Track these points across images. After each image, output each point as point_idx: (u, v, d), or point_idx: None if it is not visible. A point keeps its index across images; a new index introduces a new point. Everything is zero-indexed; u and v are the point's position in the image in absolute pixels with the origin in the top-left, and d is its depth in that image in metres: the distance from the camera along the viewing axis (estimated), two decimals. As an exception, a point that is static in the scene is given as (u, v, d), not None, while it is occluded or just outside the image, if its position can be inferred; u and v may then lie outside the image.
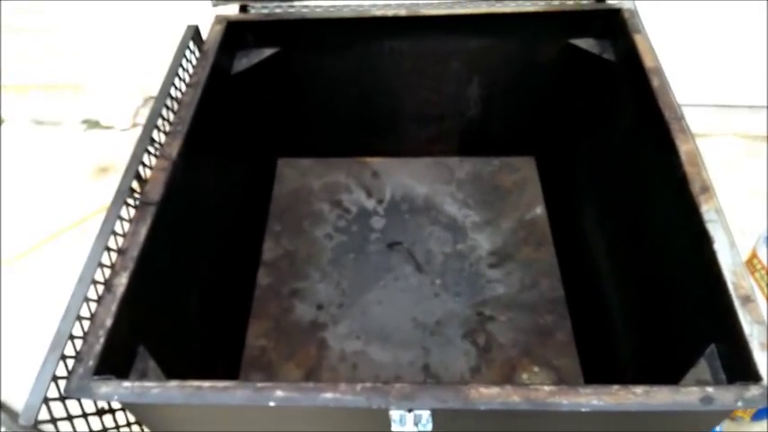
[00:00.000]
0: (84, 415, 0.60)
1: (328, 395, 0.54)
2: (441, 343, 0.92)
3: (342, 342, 0.93)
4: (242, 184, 1.05)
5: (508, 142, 1.16)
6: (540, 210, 1.08)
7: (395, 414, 0.54)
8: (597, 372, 0.92)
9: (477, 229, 1.06)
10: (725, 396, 0.52)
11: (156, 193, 0.71)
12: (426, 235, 1.05)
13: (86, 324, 0.60)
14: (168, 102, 0.80)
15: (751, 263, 1.07)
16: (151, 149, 0.74)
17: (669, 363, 0.74)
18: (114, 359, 0.61)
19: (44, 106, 1.52)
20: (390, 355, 0.91)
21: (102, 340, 0.59)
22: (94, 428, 0.62)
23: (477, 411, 0.53)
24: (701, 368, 0.61)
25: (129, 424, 0.68)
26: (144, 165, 0.72)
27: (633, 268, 0.87)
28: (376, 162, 1.17)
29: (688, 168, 0.70)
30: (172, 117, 0.80)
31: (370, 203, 1.11)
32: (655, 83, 0.80)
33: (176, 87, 0.82)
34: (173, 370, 0.72)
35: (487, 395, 0.53)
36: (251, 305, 0.98)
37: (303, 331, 0.94)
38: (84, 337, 0.59)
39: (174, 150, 0.76)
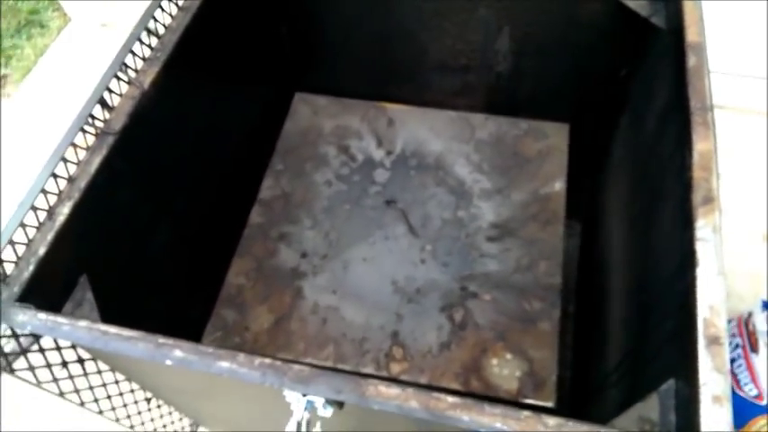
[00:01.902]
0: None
1: (224, 364, 0.52)
2: (416, 312, 0.88)
3: (317, 294, 0.91)
4: (245, 119, 1.02)
5: (541, 104, 1.05)
6: (558, 185, 0.98)
7: (289, 396, 0.51)
8: (576, 371, 0.86)
9: (485, 196, 0.98)
10: (649, 450, 0.45)
11: (118, 122, 0.69)
12: (428, 196, 0.99)
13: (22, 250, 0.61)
14: (152, 24, 0.77)
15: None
16: (123, 76, 0.72)
17: (641, 384, 0.67)
18: (47, 288, 0.61)
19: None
20: (362, 316, 0.88)
21: (31, 267, 0.59)
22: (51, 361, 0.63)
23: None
24: (651, 404, 0.53)
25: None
26: (111, 91, 0.70)
27: (633, 272, 0.78)
28: (394, 109, 1.09)
29: (696, 172, 0.59)
30: (155, 42, 0.76)
31: (378, 154, 1.05)
32: (691, 61, 0.67)
33: (163, 9, 0.78)
34: (128, 298, 0.72)
35: (385, 395, 0.49)
36: (238, 242, 0.96)
37: (282, 277, 0.93)
38: (17, 262, 0.60)
39: (147, 78, 0.73)
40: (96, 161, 0.66)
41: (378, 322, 0.87)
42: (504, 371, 0.82)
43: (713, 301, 0.51)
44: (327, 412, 0.52)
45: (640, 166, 0.85)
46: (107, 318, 0.64)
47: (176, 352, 0.52)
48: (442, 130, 1.06)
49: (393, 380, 0.82)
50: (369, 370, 0.83)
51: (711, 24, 0.72)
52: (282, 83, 1.11)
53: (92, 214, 0.66)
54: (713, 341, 0.49)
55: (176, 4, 0.80)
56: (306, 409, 0.51)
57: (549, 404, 0.79)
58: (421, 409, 0.48)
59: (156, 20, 0.76)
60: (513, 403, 0.79)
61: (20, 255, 0.60)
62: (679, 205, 0.62)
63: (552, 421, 0.46)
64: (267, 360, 0.52)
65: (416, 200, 0.99)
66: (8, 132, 1.59)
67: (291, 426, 0.51)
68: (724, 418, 0.46)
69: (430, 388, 0.81)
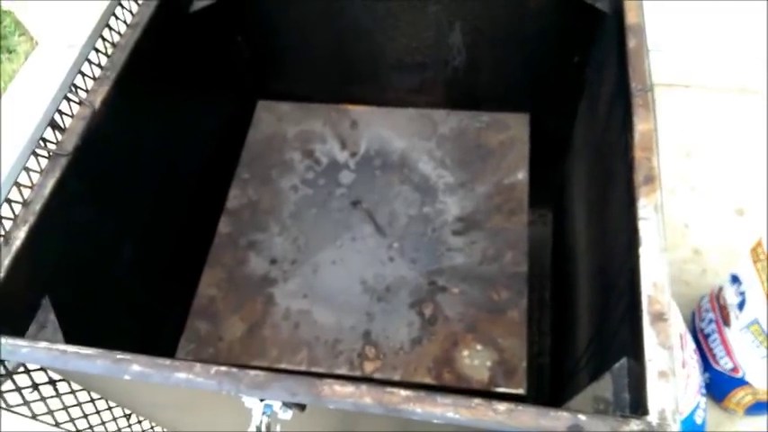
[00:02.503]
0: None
1: (182, 375, 0.52)
2: (386, 310, 0.88)
3: (289, 300, 0.91)
4: (206, 130, 1.02)
5: (500, 96, 1.06)
6: (521, 175, 0.99)
7: (248, 401, 0.52)
8: (553, 357, 0.87)
9: (449, 191, 0.99)
10: (597, 428, 0.46)
11: (70, 143, 0.69)
12: (394, 194, 1.00)
13: (-20, 276, 0.61)
14: (100, 44, 0.77)
15: (755, 251, 0.95)
16: (73, 97, 0.72)
17: (603, 365, 0.68)
18: (8, 312, 0.61)
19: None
20: (334, 318, 0.89)
21: (-11, 293, 0.60)
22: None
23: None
24: (604, 383, 0.55)
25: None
26: (62, 113, 0.70)
27: (594, 255, 0.79)
28: (357, 110, 1.10)
29: (638, 153, 0.61)
30: (104, 61, 0.77)
31: (342, 156, 1.05)
32: (631, 43, 0.69)
33: (111, 28, 0.78)
34: (94, 318, 0.73)
35: (340, 393, 0.50)
36: (207, 253, 0.97)
37: (253, 285, 0.93)
38: (-26, 289, 0.60)
39: (97, 98, 0.73)
40: (50, 184, 0.66)
41: (349, 323, 0.88)
42: (475, 361, 0.83)
43: (657, 278, 0.53)
44: (287, 415, 0.53)
45: (595, 151, 0.86)
46: (74, 339, 0.65)
47: (134, 366, 0.53)
48: (404, 129, 1.07)
49: (367, 379, 0.84)
50: (342, 371, 0.84)
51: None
52: (243, 92, 1.12)
53: (49, 236, 0.66)
54: (657, 317, 0.50)
55: (124, 22, 0.80)
56: (265, 413, 0.52)
57: (520, 391, 0.80)
58: (375, 405, 0.49)
59: (104, 39, 0.77)
60: (485, 393, 0.80)
61: (-23, 282, 0.60)
62: (625, 186, 0.63)
63: (503, 407, 0.47)
64: (223, 368, 0.52)
65: (382, 199, 0.99)
66: (-22, 160, 1.58)
67: (251, 430, 0.52)
68: (670, 392, 0.47)
69: (403, 385, 0.83)
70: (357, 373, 0.84)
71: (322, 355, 0.86)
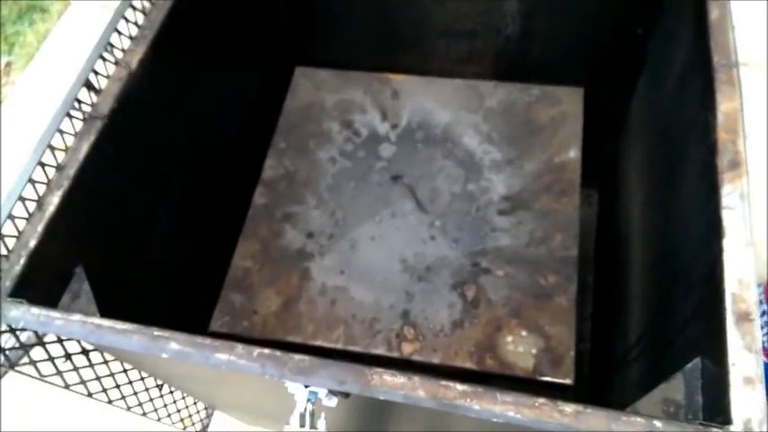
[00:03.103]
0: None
1: (222, 356, 0.49)
2: (427, 290, 0.85)
3: (325, 275, 0.88)
4: (243, 96, 0.98)
5: (553, 68, 0.99)
6: (573, 153, 0.94)
7: (291, 387, 0.49)
8: (595, 344, 0.82)
9: (496, 168, 0.94)
10: (674, 436, 0.42)
11: (105, 105, 0.66)
12: (437, 170, 0.95)
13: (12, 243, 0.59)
14: (140, 2, 0.73)
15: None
16: (109, 57, 0.68)
17: (665, 359, 0.64)
18: (41, 281, 0.59)
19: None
20: (372, 296, 0.85)
21: (22, 261, 0.57)
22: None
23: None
24: (675, 384, 0.50)
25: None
26: (97, 73, 0.67)
27: (653, 242, 0.74)
28: (398, 80, 1.05)
29: (721, 134, 0.55)
30: (141, 19, 0.73)
31: (383, 127, 1.01)
32: (713, 14, 0.62)
33: (150, -14, 0.74)
34: (128, 288, 0.70)
35: (391, 384, 0.46)
36: (242, 224, 0.94)
37: (289, 258, 0.90)
38: (7, 256, 0.58)
39: (134, 58, 0.69)
40: (84, 147, 0.63)
41: (388, 302, 0.85)
42: (520, 348, 0.79)
43: (742, 275, 0.48)
44: (332, 402, 0.50)
45: (659, 130, 0.80)
46: (107, 309, 0.63)
47: (172, 344, 0.50)
48: (448, 100, 1.02)
49: (405, 361, 0.80)
50: (380, 351, 0.81)
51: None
52: (281, 57, 1.07)
53: (84, 203, 0.63)
54: (743, 317, 0.46)
55: (162, -21, 0.76)
56: (309, 400, 0.49)
57: (568, 381, 0.76)
58: (428, 398, 0.45)
59: (142, -4, 0.73)
60: (530, 381, 0.77)
61: (10, 248, 0.58)
62: (703, 171, 0.57)
63: (569, 408, 0.44)
64: (266, 351, 0.49)
65: (424, 174, 0.95)
66: (14, 120, 1.57)
67: (294, 418, 0.49)
68: (757, 400, 0.43)
69: (443, 368, 0.80)
70: (395, 354, 0.81)
71: (359, 334, 0.83)
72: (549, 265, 0.85)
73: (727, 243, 0.50)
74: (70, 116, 0.63)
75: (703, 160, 0.57)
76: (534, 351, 0.78)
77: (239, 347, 0.49)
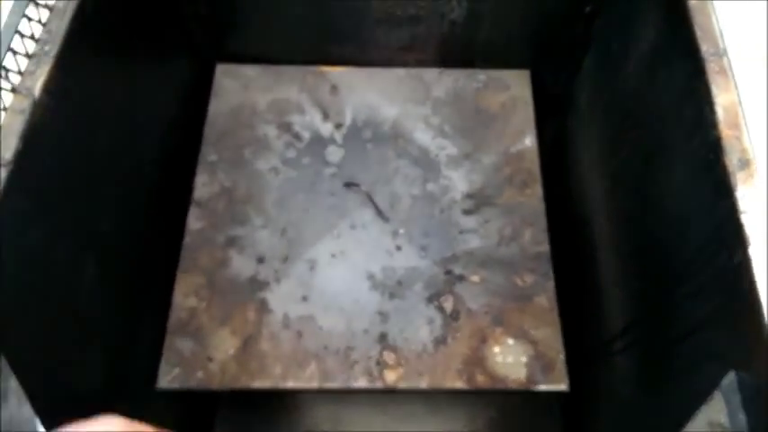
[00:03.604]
0: None
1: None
2: (401, 308, 0.78)
3: (285, 304, 0.79)
4: (165, 107, 0.85)
5: (499, 52, 0.94)
6: (529, 140, 0.90)
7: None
8: (579, 343, 0.80)
9: (454, 164, 0.88)
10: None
11: (8, 148, 0.52)
12: (392, 171, 0.88)
13: None
14: (32, 10, 0.58)
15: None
16: (5, 84, 0.54)
17: (666, 358, 0.62)
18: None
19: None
20: (342, 322, 0.78)
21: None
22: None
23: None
24: (716, 404, 0.48)
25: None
26: (-10, 109, 0.52)
27: (627, 232, 0.72)
28: (336, 73, 0.96)
29: (724, 131, 0.52)
30: (39, 31, 0.58)
31: (326, 128, 0.91)
32: (693, -1, 0.59)
33: (41, -12, 0.60)
34: (61, 362, 0.58)
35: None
36: (178, 256, 0.82)
37: (240, 290, 0.80)
38: None
39: (37, 82, 0.55)
40: (-12, 208, 0.50)
41: (361, 326, 0.77)
42: (509, 358, 0.75)
43: (778, 287, 0.45)
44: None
45: (622, 116, 0.78)
46: (36, 391, 0.50)
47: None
48: (393, 93, 0.94)
49: (390, 390, 0.74)
50: (361, 384, 0.74)
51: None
52: (202, 56, 0.94)
53: (-3, 274, 0.50)
54: (788, 333, 0.43)
55: (55, -23, 0.61)
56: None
57: (563, 387, 0.74)
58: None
59: (36, 2, 0.58)
60: (525, 393, 0.73)
61: None
62: (705, 169, 0.55)
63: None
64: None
65: (379, 178, 0.87)
66: None
67: None
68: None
69: (432, 392, 0.74)
70: (378, 385, 0.74)
71: (335, 367, 0.75)
72: (523, 264, 0.81)
73: (754, 251, 0.47)
74: (-38, 168, 0.49)
75: (705, 158, 0.54)
76: (524, 360, 0.75)
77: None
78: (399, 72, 0.96)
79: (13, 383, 0.49)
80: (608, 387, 0.78)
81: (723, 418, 0.47)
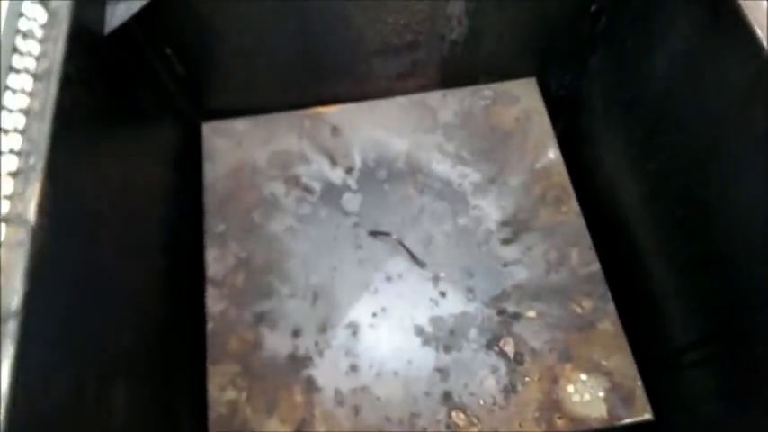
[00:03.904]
0: None
1: None
2: (460, 360, 0.72)
3: (334, 378, 0.72)
4: (159, 181, 0.77)
5: (502, 65, 0.89)
6: (552, 153, 0.84)
7: None
8: (650, 364, 0.75)
9: (480, 191, 0.82)
10: None
11: (13, 293, 0.44)
12: (417, 211, 0.81)
13: None
14: (5, 118, 0.50)
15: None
16: (-9, 216, 0.46)
17: (762, 375, 0.57)
18: None
19: None
20: (400, 388, 0.71)
21: None
22: None
23: None
24: None
25: None
26: (-18, 250, 0.44)
27: (691, 240, 0.67)
28: (334, 113, 0.89)
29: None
30: (18, 142, 0.50)
31: (336, 175, 0.84)
32: (745, -10, 0.54)
33: (13, 90, 0.51)
34: None
35: None
36: (204, 346, 0.74)
37: (281, 371, 0.73)
38: None
39: (30, 204, 0.47)
40: (4, 373, 0.41)
41: (420, 389, 0.71)
42: (586, 396, 0.69)
43: None
44: None
45: (652, 117, 0.72)
46: None
47: None
48: (399, 124, 0.88)
49: (467, 453, 0.68)
50: (434, 451, 0.68)
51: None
52: (186, 117, 0.86)
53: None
54: None
55: (28, 72, 0.53)
56: None
57: (647, 416, 0.68)
58: None
59: (8, 109, 0.50)
60: (611, 430, 0.68)
61: None
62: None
63: None
64: None
65: (405, 220, 0.81)
66: None
67: None
68: None
69: (512, 447, 0.68)
70: (453, 450, 0.68)
71: (402, 439, 0.68)
72: (577, 289, 0.75)
73: None
74: (-35, 330, 0.41)
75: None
76: (602, 394, 0.69)
77: None
78: (401, 101, 0.89)
79: None
80: (686, 402, 0.73)
81: None
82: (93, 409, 0.53)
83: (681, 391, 0.73)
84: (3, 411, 0.40)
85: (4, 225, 0.46)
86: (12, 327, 0.43)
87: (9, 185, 0.48)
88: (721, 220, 0.61)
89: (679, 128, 0.67)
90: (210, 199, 0.83)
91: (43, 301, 0.45)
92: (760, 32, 0.52)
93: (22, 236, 0.46)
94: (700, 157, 0.64)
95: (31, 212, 0.47)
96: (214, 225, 0.81)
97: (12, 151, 0.49)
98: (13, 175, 0.48)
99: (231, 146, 0.86)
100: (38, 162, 0.49)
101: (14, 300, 0.43)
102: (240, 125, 0.88)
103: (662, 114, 0.70)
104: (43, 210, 0.48)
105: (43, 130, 0.51)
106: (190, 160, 0.85)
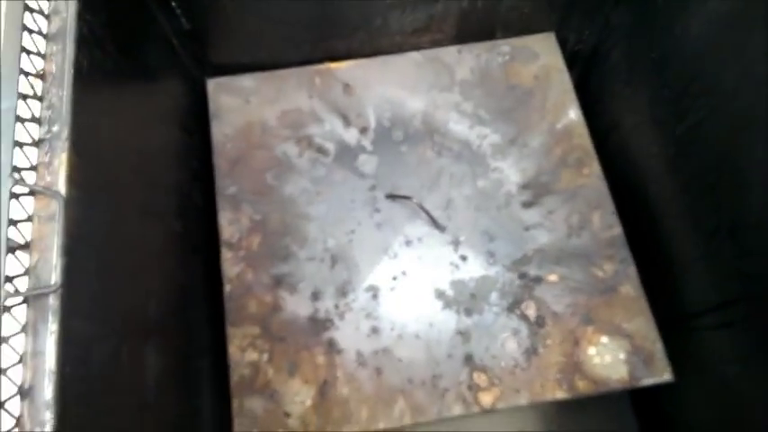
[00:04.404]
0: None
1: None
2: (481, 323, 0.72)
3: (356, 340, 0.72)
4: (170, 144, 0.74)
5: (522, 18, 0.85)
6: (573, 113, 0.83)
7: None
8: (669, 325, 0.76)
9: (500, 153, 0.81)
10: None
11: (51, 269, 0.42)
12: (435, 173, 0.80)
13: None
14: (23, 83, 0.47)
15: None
16: (21, 188, 0.43)
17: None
18: None
19: None
20: (422, 350, 0.71)
21: None
22: None
23: None
24: None
25: None
26: (14, 223, 0.42)
27: (721, 207, 0.67)
28: (345, 69, 0.85)
29: None
30: (37, 108, 0.47)
31: (351, 135, 0.82)
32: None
33: (28, 51, 0.48)
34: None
35: None
36: (222, 309, 0.73)
37: (302, 333, 0.72)
38: None
39: (59, 175, 0.45)
40: (49, 346, 0.40)
41: (443, 351, 0.71)
42: (607, 358, 0.70)
43: None
44: None
45: (682, 78, 0.71)
46: None
47: None
48: (414, 82, 0.85)
49: (489, 412, 0.69)
50: (456, 411, 0.69)
51: None
52: (191, 74, 0.82)
53: (78, 424, 0.41)
54: None
55: (40, 33, 0.49)
56: None
57: (667, 377, 0.70)
58: None
59: (25, 73, 0.46)
60: (632, 391, 0.69)
61: None
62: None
63: None
64: None
65: (423, 183, 0.79)
66: None
67: None
68: None
69: (533, 406, 0.69)
70: (476, 410, 0.69)
71: (425, 400, 0.69)
72: (599, 253, 0.75)
73: None
74: (6, 308, 0.39)
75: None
76: (623, 356, 0.70)
77: None
78: (415, 56, 0.86)
79: None
80: (704, 364, 0.75)
81: None
82: (128, 373, 0.52)
83: (699, 354, 0.75)
84: (53, 383, 0.39)
85: (33, 198, 0.44)
86: (53, 302, 0.41)
87: (33, 155, 0.45)
88: (754, 188, 0.61)
89: (714, 92, 0.66)
90: (220, 160, 0.80)
91: (78, 275, 0.44)
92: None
93: (55, 208, 0.44)
94: (735, 123, 0.63)
95: (62, 184, 0.44)
96: (225, 187, 0.79)
97: (34, 119, 0.46)
98: (36, 144, 0.46)
99: (238, 104, 0.83)
100: (62, 130, 0.46)
101: (52, 275, 0.42)
102: (247, 81, 0.84)
103: (695, 76, 0.69)
104: (73, 180, 0.45)
105: (63, 95, 0.48)
106: (198, 119, 0.82)
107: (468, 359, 0.71)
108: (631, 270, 0.74)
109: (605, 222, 0.77)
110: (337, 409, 0.69)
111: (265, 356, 0.72)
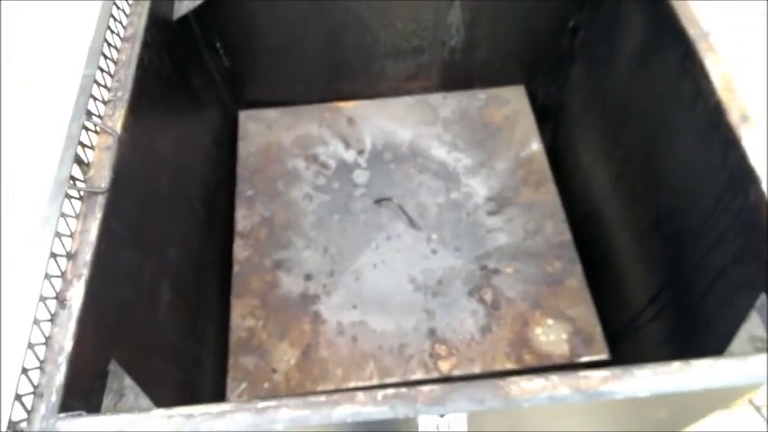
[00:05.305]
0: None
1: (345, 409, 0.46)
2: (445, 304, 0.84)
3: (337, 313, 0.85)
4: (202, 148, 0.93)
5: (494, 72, 1.05)
6: (536, 145, 0.99)
7: (424, 422, 0.46)
8: (612, 318, 0.87)
9: (471, 173, 0.97)
10: (799, 363, 0.46)
11: (102, 178, 0.59)
12: (416, 185, 0.96)
13: (41, 350, 0.50)
14: (102, 62, 0.66)
15: None
16: (90, 125, 0.61)
17: (697, 310, 0.69)
18: (81, 386, 0.51)
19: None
20: (392, 323, 0.83)
21: (63, 368, 0.49)
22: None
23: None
24: (754, 322, 0.54)
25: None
26: (83, 145, 0.59)
27: (648, 208, 0.80)
28: (350, 107, 1.05)
29: (724, 95, 0.61)
30: (109, 81, 0.66)
31: (349, 155, 0.99)
32: (671, -6, 0.69)
33: (109, 44, 0.68)
34: (151, 375, 0.63)
35: (530, 390, 0.46)
36: (230, 283, 0.88)
37: (293, 306, 0.86)
38: (41, 366, 0.49)
39: (117, 123, 0.63)
40: (93, 228, 0.56)
41: (410, 324, 0.83)
42: (551, 336, 0.81)
43: (788, 210, 0.53)
44: (463, 428, 0.48)
45: (617, 110, 0.87)
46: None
47: (283, 412, 0.46)
48: (405, 118, 1.03)
49: (446, 378, 0.79)
50: (418, 375, 0.79)
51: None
52: (224, 103, 1.02)
53: (105, 290, 0.56)
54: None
55: (118, 35, 0.70)
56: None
57: (604, 356, 0.79)
58: (573, 393, 0.45)
59: (105, 56, 0.66)
60: (571, 365, 0.79)
61: (42, 357, 0.49)
62: (709, 131, 0.63)
63: (703, 363, 0.46)
64: (390, 390, 0.46)
65: (406, 192, 0.95)
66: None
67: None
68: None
69: (485, 376, 0.80)
70: (434, 375, 0.79)
71: (392, 364, 0.80)
72: (550, 253, 0.88)
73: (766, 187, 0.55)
74: (68, 196, 0.56)
75: (709, 121, 0.63)
76: (565, 336, 0.81)
77: (360, 395, 0.46)
78: (407, 100, 1.05)
79: (128, 382, 0.54)
80: (645, 354, 0.84)
81: (762, 331, 0.54)
82: (147, 295, 0.67)
83: (639, 344, 0.84)
84: (89, 264, 0.54)
85: (97, 134, 0.61)
86: (101, 200, 0.57)
87: (102, 109, 0.64)
88: (667, 182, 0.74)
89: (635, 114, 0.81)
90: (242, 170, 0.98)
91: (119, 192, 0.60)
92: (684, 21, 0.67)
93: (110, 143, 0.61)
94: (651, 135, 0.78)
95: (118, 128, 0.62)
96: (244, 190, 0.96)
97: (106, 86, 0.65)
98: (105, 102, 0.64)
99: (262, 129, 1.02)
100: (124, 95, 0.65)
101: (102, 182, 0.58)
102: (271, 113, 1.04)
103: (624, 107, 0.85)
104: (125, 128, 0.63)
105: (128, 75, 0.67)
106: (228, 137, 1.01)
107: (432, 332, 0.82)
108: (577, 268, 0.86)
109: (557, 229, 0.90)
110: (317, 367, 0.81)
111: (261, 323, 0.85)
